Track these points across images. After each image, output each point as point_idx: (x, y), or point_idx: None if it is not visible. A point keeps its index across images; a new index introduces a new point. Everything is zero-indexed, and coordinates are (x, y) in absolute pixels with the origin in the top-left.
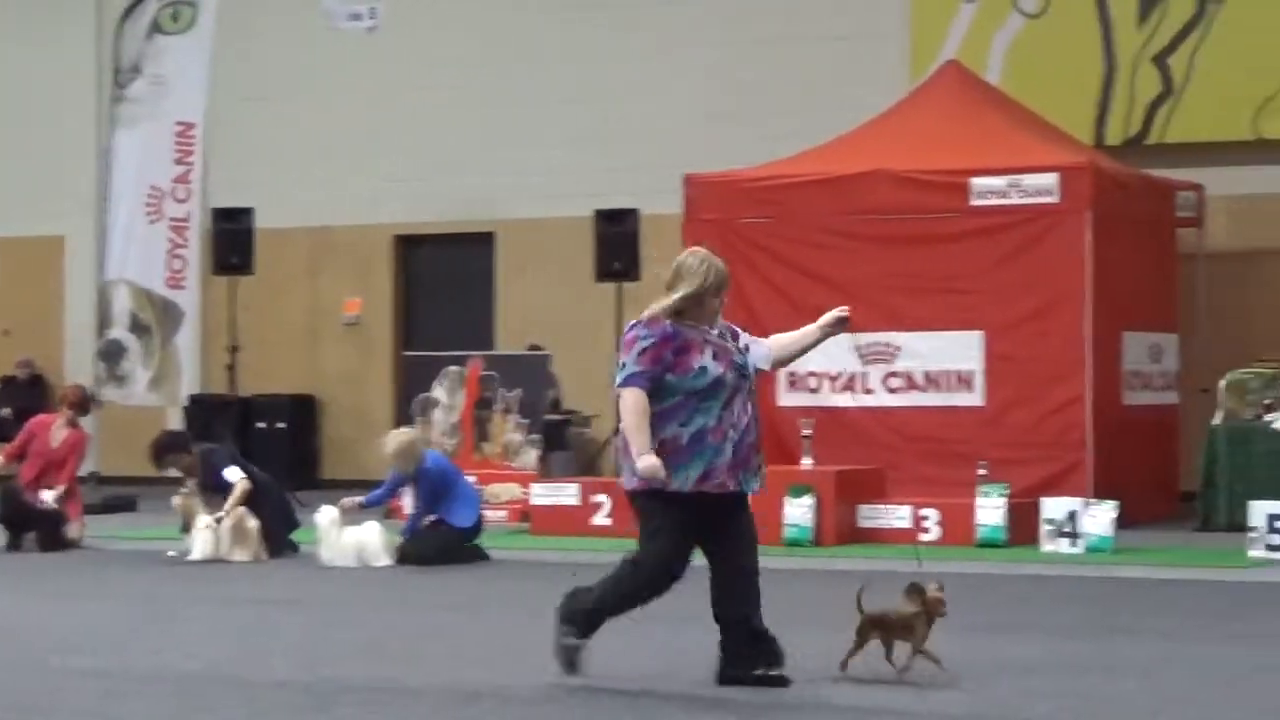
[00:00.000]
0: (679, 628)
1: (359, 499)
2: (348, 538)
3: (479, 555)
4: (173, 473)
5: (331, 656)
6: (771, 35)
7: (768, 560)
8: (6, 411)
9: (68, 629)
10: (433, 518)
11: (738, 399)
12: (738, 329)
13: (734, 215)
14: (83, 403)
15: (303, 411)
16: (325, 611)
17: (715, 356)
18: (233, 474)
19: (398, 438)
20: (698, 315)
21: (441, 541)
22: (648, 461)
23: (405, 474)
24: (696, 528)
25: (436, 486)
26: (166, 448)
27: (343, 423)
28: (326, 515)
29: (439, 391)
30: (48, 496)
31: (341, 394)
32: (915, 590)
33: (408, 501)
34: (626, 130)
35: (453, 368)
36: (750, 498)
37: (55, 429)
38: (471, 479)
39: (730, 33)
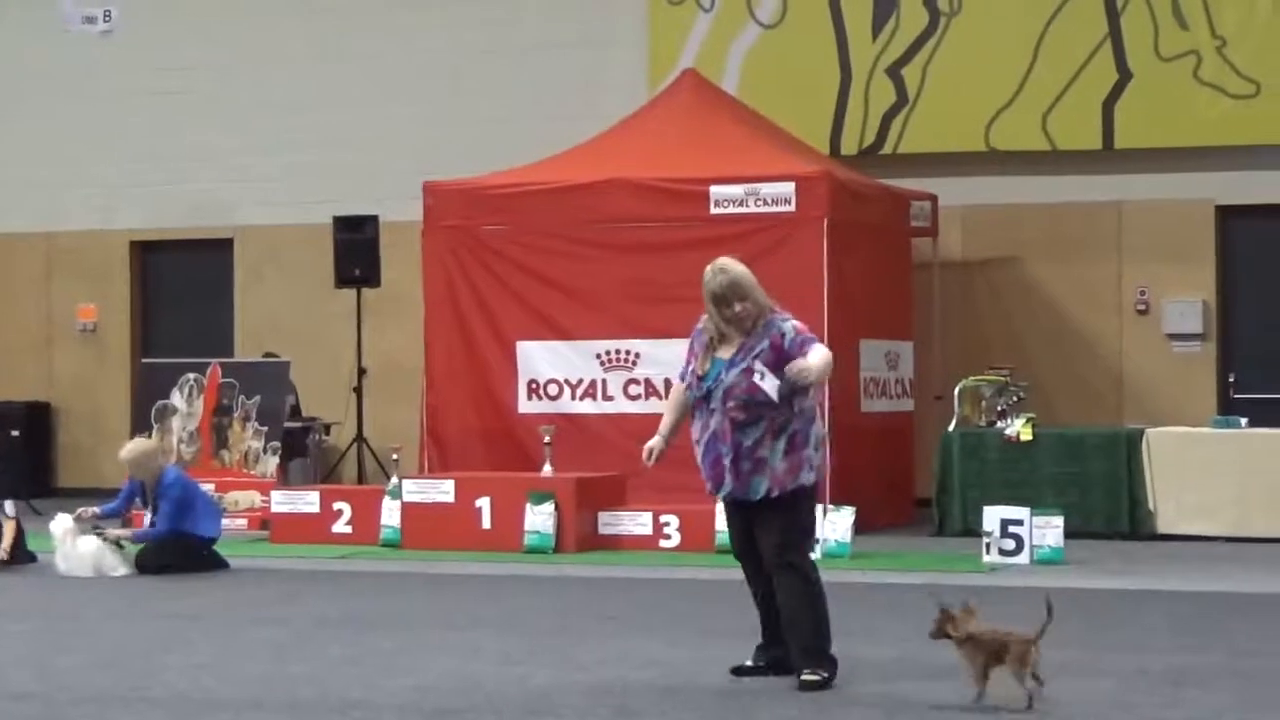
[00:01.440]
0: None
1: (95, 509)
2: (84, 547)
3: (219, 564)
4: None
5: (67, 667)
6: (512, 41)
7: (506, 567)
8: None
9: None
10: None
11: (698, 412)
12: (785, 339)
13: (473, 222)
14: None
15: (37, 419)
16: (61, 622)
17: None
18: (9, 508)
19: (134, 447)
20: (716, 322)
21: (182, 549)
22: (649, 442)
23: (141, 483)
24: (738, 528)
25: (179, 501)
26: None
27: (79, 430)
28: (62, 524)
29: (177, 398)
30: None
31: (77, 401)
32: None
33: (147, 519)
34: (367, 136)
35: (191, 375)
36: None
37: None
38: (210, 486)
39: (473, 38)
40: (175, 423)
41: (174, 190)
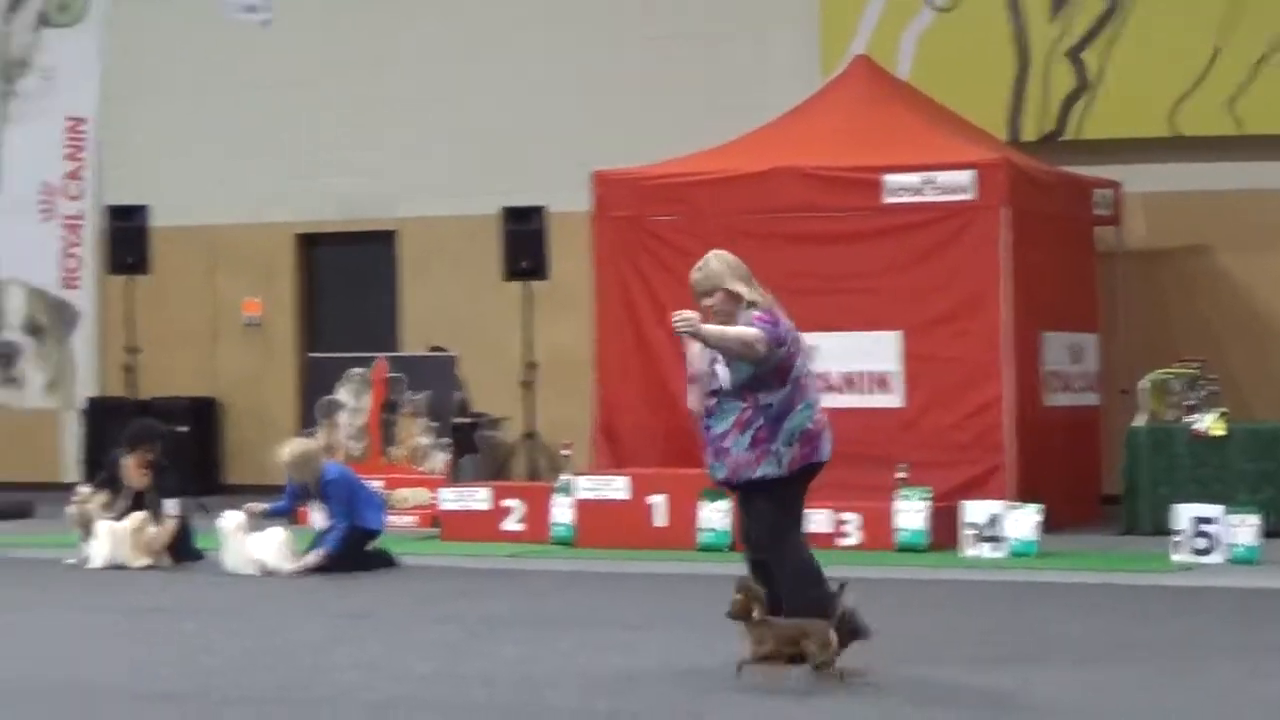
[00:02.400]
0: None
1: (264, 505)
2: (251, 544)
3: (386, 561)
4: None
5: (229, 666)
6: (683, 30)
7: (680, 566)
8: None
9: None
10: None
11: None
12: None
13: (642, 212)
14: None
15: (203, 414)
16: (228, 619)
17: None
18: (173, 506)
19: (293, 449)
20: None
21: (355, 542)
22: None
23: (302, 484)
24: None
25: (344, 495)
26: (146, 434)
27: (245, 426)
28: (230, 521)
29: (343, 394)
30: None
31: (243, 397)
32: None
33: (316, 517)
34: (534, 126)
35: (357, 370)
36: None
37: None
38: (378, 483)
39: (642, 27)
40: (343, 418)
41: (337, 183)
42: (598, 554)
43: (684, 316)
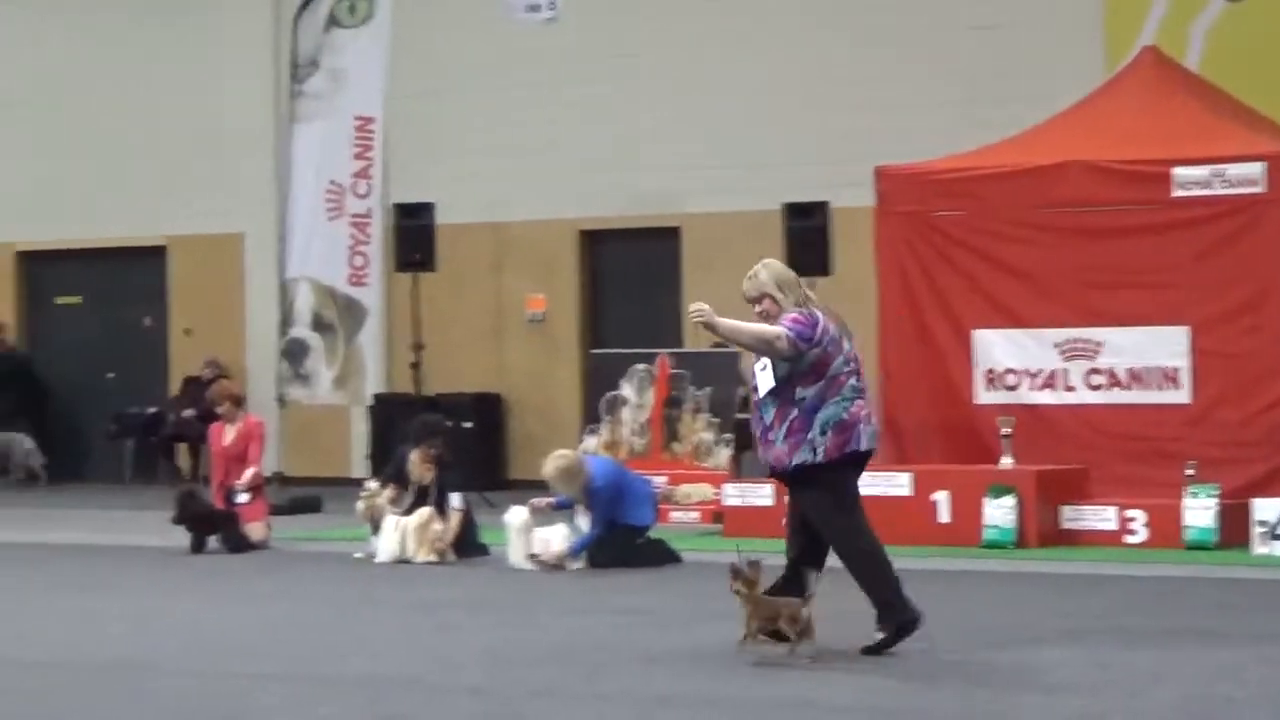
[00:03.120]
0: None
1: (550, 500)
2: (537, 539)
3: (670, 557)
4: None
5: (520, 660)
6: (965, 24)
7: (965, 563)
8: (190, 412)
9: (254, 632)
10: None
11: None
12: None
13: (927, 208)
14: (236, 396)
15: (488, 410)
16: (513, 614)
17: None
18: (458, 501)
19: (554, 465)
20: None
21: (621, 540)
22: None
23: (571, 498)
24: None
25: (606, 501)
26: (432, 430)
27: (530, 421)
28: (516, 516)
29: (627, 390)
30: (239, 486)
31: (528, 392)
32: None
33: (581, 521)
34: (816, 121)
35: (640, 365)
36: None
37: (226, 428)
38: (661, 479)
39: (922, 22)
40: (626, 414)
41: (621, 179)
42: None
43: (698, 308)
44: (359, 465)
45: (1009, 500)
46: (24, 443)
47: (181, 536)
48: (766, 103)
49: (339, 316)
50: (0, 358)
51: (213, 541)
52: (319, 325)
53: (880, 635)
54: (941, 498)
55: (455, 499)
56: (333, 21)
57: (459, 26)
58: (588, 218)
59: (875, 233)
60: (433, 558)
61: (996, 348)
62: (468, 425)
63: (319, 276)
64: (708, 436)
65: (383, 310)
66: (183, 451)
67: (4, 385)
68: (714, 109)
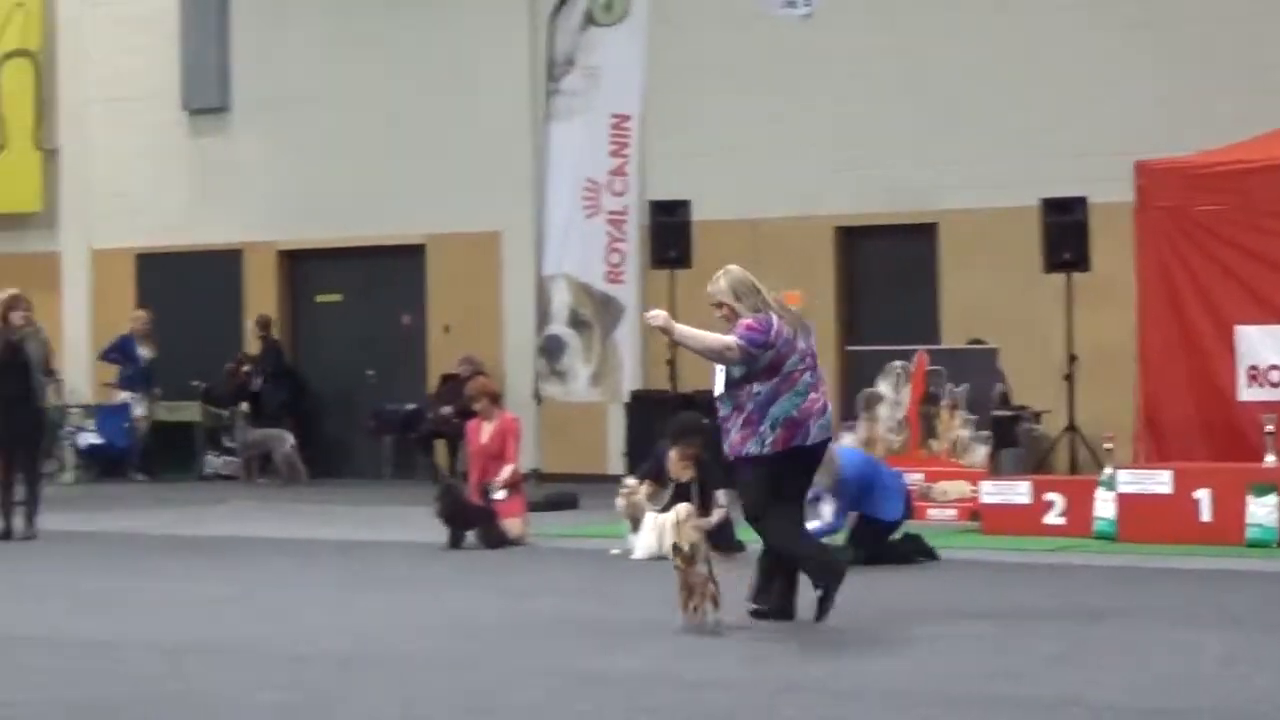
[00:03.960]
0: None
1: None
2: None
3: (927, 554)
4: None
5: (773, 656)
6: (1222, 16)
7: (1227, 562)
8: (448, 409)
9: (511, 627)
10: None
11: None
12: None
13: (1188, 203)
14: (493, 393)
15: None
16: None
17: None
18: (724, 498)
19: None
20: None
21: (870, 535)
22: None
23: (827, 488)
24: None
25: (853, 493)
26: (691, 428)
27: None
28: None
29: (884, 386)
30: (497, 483)
31: None
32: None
33: (825, 510)
34: (1073, 117)
35: (897, 362)
36: None
37: (483, 425)
38: (918, 476)
39: (1179, 15)
40: (882, 411)
41: (876, 175)
42: (1140, 549)
43: (654, 314)
44: (615, 462)
45: (1272, 499)
46: (286, 440)
47: (439, 532)
48: (1024, 97)
49: (595, 313)
50: (268, 354)
51: (470, 537)
52: (575, 322)
53: (818, 592)
54: (1203, 496)
55: (720, 495)
56: (589, 20)
57: (715, 23)
58: (844, 214)
59: (1135, 228)
60: None
61: (1260, 344)
62: None
63: (576, 274)
64: (965, 433)
65: (639, 307)
66: (441, 448)
67: (273, 382)
68: (970, 104)
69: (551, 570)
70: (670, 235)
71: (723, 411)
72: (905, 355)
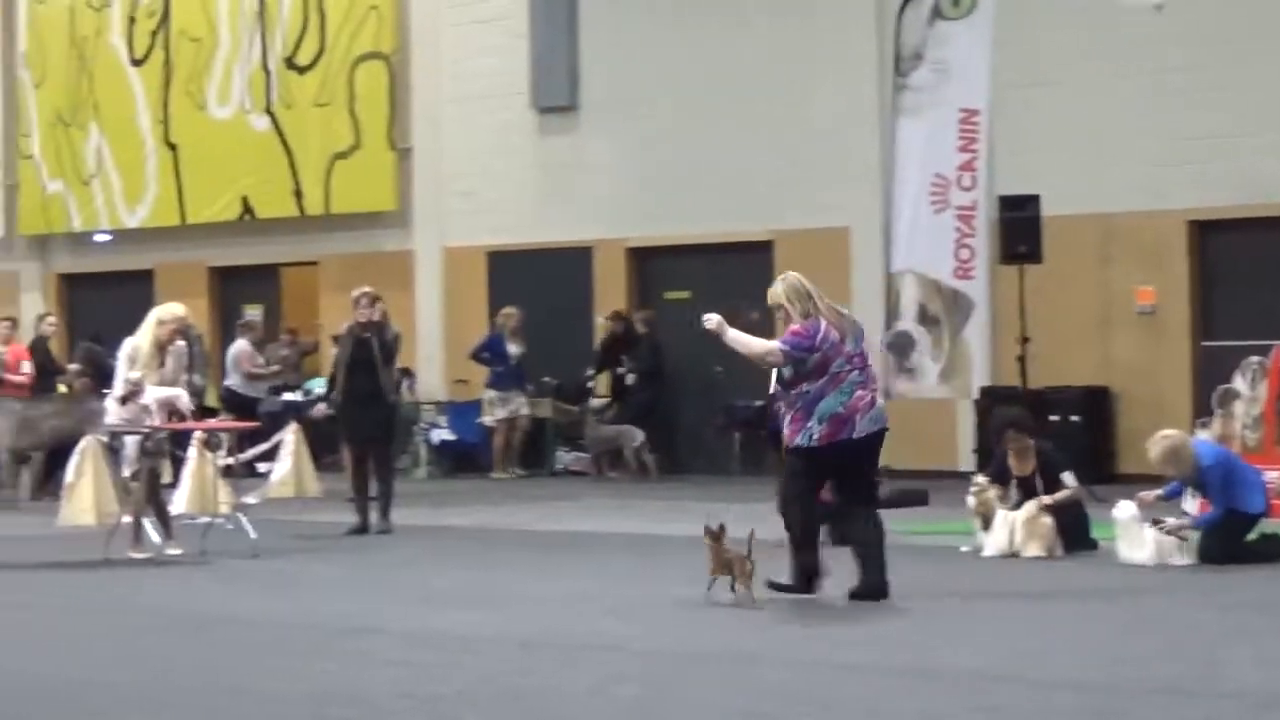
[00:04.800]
0: None
1: (1158, 492)
2: (1148, 534)
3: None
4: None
5: (1129, 657)
6: None
7: None
8: None
9: (854, 623)
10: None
11: None
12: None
13: None
14: None
15: (1096, 404)
16: (1121, 610)
17: None
18: (1071, 479)
19: (1161, 442)
20: None
21: (1237, 530)
22: None
23: (1180, 479)
24: None
25: (1219, 481)
26: (1010, 424)
27: (1137, 415)
28: (1125, 511)
29: (1239, 383)
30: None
31: (1136, 385)
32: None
33: (1189, 505)
34: None
35: (1254, 358)
36: None
37: None
38: (1275, 474)
39: None
40: (1238, 408)
41: (1232, 167)
42: None
43: (709, 318)
44: (965, 459)
45: None
46: (636, 436)
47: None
48: None
49: (944, 309)
50: (645, 352)
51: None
52: (924, 318)
53: (786, 581)
54: None
55: (1068, 477)
56: (936, 14)
57: (1063, 15)
58: (1198, 207)
59: None
60: (1041, 552)
61: None
62: (1075, 419)
63: (924, 269)
64: None
65: (989, 303)
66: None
67: (643, 380)
68: None
69: (900, 567)
70: (1020, 230)
71: (780, 407)
72: (1262, 351)
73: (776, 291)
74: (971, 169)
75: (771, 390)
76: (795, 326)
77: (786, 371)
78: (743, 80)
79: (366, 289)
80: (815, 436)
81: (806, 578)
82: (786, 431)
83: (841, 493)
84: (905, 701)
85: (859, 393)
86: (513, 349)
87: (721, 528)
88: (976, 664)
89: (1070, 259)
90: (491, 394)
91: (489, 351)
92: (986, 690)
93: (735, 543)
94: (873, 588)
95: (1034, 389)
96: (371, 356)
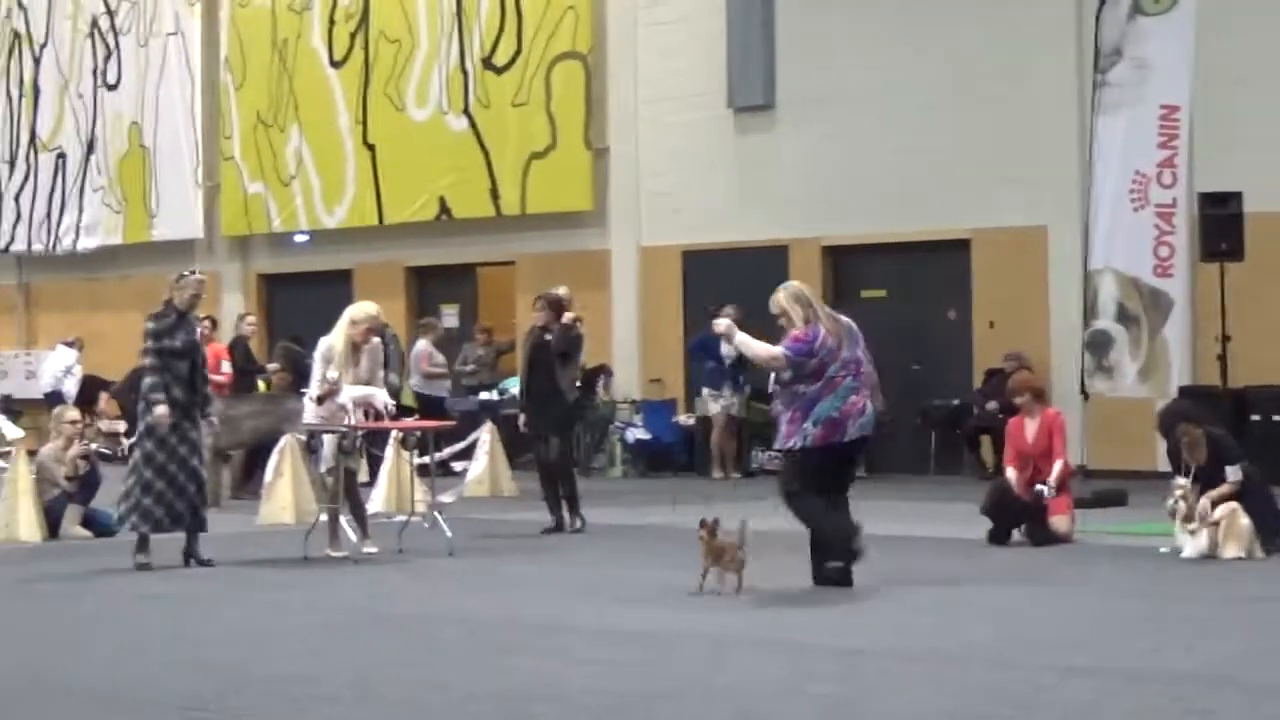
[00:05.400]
0: None
1: None
2: None
3: None
4: None
5: None
6: None
7: None
8: (993, 405)
9: (1060, 625)
10: None
11: None
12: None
13: None
14: (1037, 388)
15: None
16: None
17: None
18: (1234, 473)
19: None
20: None
21: None
22: None
23: None
24: None
25: None
26: (1180, 415)
27: None
28: None
29: None
30: (1045, 480)
31: None
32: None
33: None
34: None
35: None
36: None
37: (1026, 422)
38: None
39: None
40: None
41: None
42: None
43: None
44: (1164, 459)
45: None
46: None
47: (984, 528)
48: None
49: (1144, 308)
50: None
51: (1016, 534)
52: (1123, 317)
53: (837, 564)
54: None
55: (1232, 471)
56: (1136, 10)
57: (1266, 11)
58: None
59: None
60: (1240, 553)
61: None
62: (1277, 418)
63: (1123, 268)
64: None
65: (1189, 301)
66: (986, 444)
67: None
68: None
69: (1099, 568)
70: (1221, 227)
71: (776, 409)
72: None
73: (779, 299)
74: (1172, 166)
75: (770, 389)
76: (796, 332)
77: (785, 374)
78: (939, 77)
79: (558, 290)
80: (809, 438)
81: (847, 538)
82: (783, 431)
83: (824, 489)
84: (1115, 702)
85: (853, 398)
86: (726, 348)
87: (715, 521)
88: (1185, 666)
89: (1273, 256)
90: (706, 391)
91: (702, 349)
92: (1200, 694)
93: (727, 534)
94: (844, 575)
95: (1234, 388)
96: (548, 356)
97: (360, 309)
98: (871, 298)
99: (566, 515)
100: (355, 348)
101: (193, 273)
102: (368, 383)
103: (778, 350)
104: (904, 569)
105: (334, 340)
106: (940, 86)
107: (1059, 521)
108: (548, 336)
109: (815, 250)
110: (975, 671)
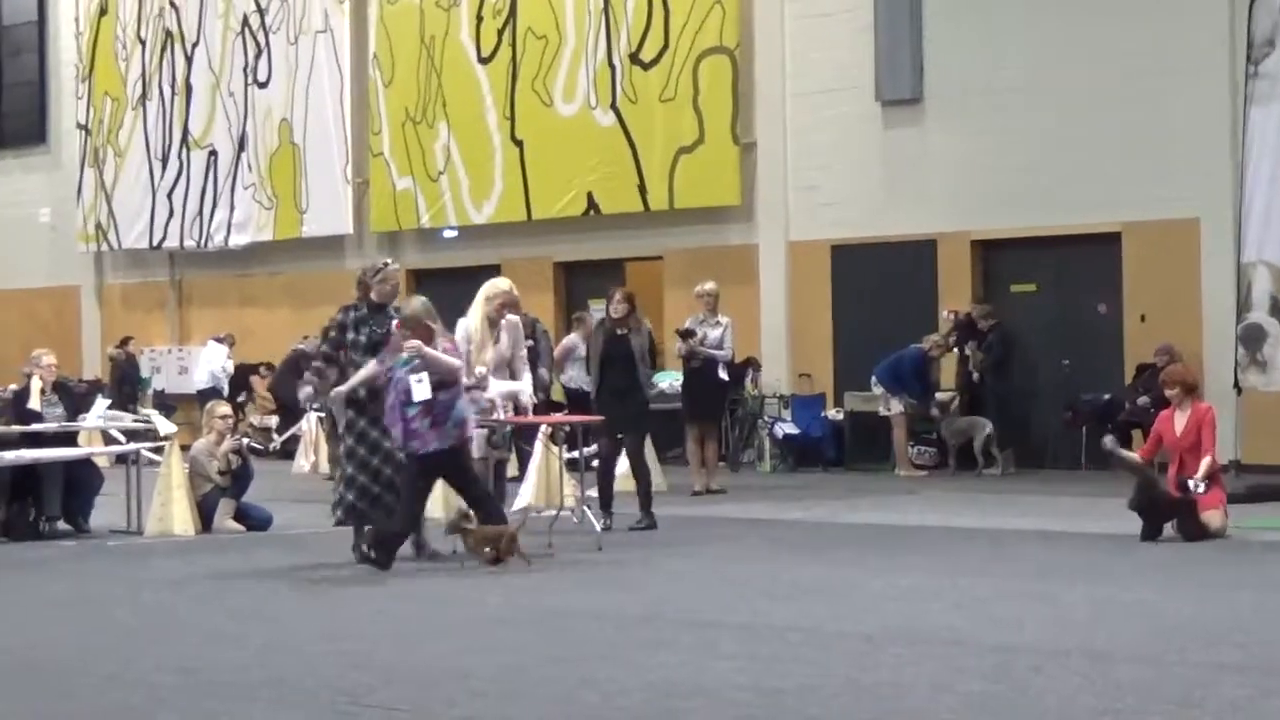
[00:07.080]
0: None
1: None
2: None
3: None
4: None
5: None
6: None
7: None
8: (1144, 399)
9: (1212, 621)
10: None
11: None
12: None
13: None
14: (1188, 382)
15: None
16: None
17: None
18: None
19: None
20: None
21: None
22: None
23: None
24: None
25: None
26: None
27: None
28: None
29: None
30: (1195, 474)
31: None
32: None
33: None
34: None
35: None
36: None
37: (1176, 415)
38: None
39: None
40: None
41: None
42: None
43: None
44: None
45: None
46: (985, 427)
47: (1135, 524)
48: None
49: None
50: (996, 343)
51: (1167, 529)
52: (1276, 310)
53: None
54: None
55: None
56: None
57: None
58: None
59: None
60: None
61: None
62: None
63: (1276, 260)
64: None
65: None
66: (1138, 439)
67: (995, 372)
68: None
69: (1252, 564)
70: None
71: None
72: None
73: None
74: None
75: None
76: (448, 344)
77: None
78: (1090, 69)
79: (623, 289)
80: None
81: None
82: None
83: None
84: (1263, 701)
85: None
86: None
87: (466, 517)
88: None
89: None
90: (880, 388)
91: (894, 380)
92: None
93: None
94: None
95: None
96: (625, 352)
97: (493, 285)
98: (1021, 292)
99: (639, 512)
100: (492, 324)
101: (388, 264)
102: (508, 360)
103: (456, 361)
104: (1055, 564)
105: (471, 321)
106: (1089, 78)
107: (1212, 517)
108: (620, 332)
109: (964, 244)
110: (1128, 669)
